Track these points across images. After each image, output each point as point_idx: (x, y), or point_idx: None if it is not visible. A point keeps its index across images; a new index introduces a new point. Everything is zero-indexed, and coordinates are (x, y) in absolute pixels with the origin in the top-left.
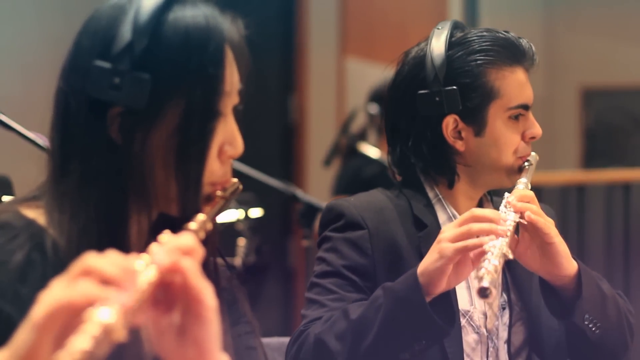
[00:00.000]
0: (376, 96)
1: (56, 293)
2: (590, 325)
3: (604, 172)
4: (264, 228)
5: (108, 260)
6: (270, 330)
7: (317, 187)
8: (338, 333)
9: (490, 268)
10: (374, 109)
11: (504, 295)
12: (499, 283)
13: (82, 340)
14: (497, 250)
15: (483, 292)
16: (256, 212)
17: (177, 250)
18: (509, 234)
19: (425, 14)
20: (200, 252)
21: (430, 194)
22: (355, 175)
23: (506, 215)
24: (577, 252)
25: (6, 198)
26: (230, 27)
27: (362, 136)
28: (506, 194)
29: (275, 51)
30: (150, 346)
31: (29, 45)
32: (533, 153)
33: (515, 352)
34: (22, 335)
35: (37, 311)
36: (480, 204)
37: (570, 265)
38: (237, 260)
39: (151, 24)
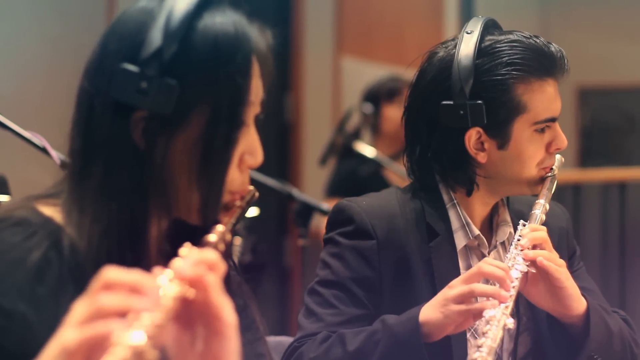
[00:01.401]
0: (370, 96)
1: (83, 314)
2: None
3: (599, 171)
4: (259, 227)
5: (130, 275)
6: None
7: (313, 186)
8: None
9: (485, 352)
10: (368, 108)
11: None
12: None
13: None
14: (495, 324)
15: None
16: (252, 211)
17: (202, 264)
18: (513, 292)
19: (421, 13)
20: (222, 267)
21: (445, 198)
22: (350, 174)
23: (514, 263)
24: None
25: (2, 197)
26: (258, 36)
27: (357, 135)
28: (520, 224)
29: (271, 50)
30: None
31: (24, 44)
32: (558, 156)
33: None
34: (52, 356)
35: (68, 336)
36: (495, 210)
37: (579, 305)
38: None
39: (181, 31)
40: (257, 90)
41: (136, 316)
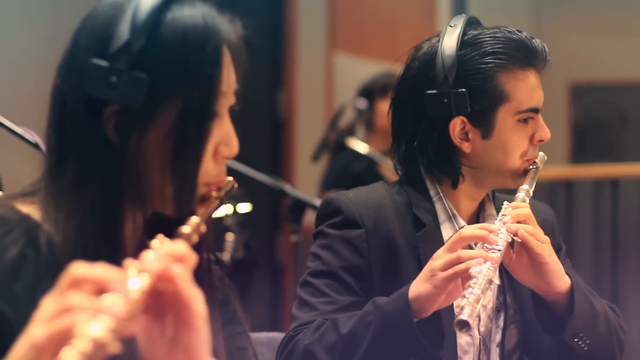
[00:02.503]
0: (365, 91)
1: (51, 310)
2: (580, 342)
3: (592, 167)
4: (252, 223)
5: (97, 270)
6: (258, 325)
7: (306, 182)
8: (327, 346)
9: (472, 299)
10: (363, 104)
11: (500, 298)
12: (494, 291)
13: (71, 357)
14: (482, 276)
15: (461, 325)
16: (244, 207)
17: (169, 257)
18: (498, 253)
19: (414, 10)
20: (192, 258)
21: (432, 192)
22: (343, 170)
23: (499, 233)
24: (566, 247)
25: None
26: (228, 27)
27: (350, 131)
28: (505, 204)
29: (263, 46)
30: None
31: (17, 41)
32: (541, 153)
33: (508, 354)
34: (21, 353)
35: (37, 331)
36: (481, 205)
37: (562, 283)
38: (226, 256)
39: (149, 24)
40: (229, 80)
41: (101, 310)
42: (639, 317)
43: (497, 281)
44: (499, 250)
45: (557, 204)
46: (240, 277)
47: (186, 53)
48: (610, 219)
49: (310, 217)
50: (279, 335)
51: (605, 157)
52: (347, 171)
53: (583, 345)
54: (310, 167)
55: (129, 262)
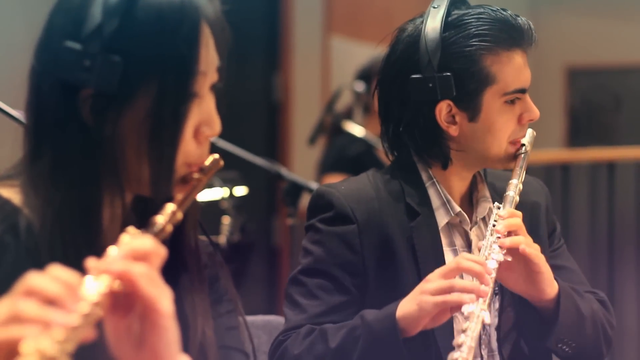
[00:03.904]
0: (363, 74)
1: (2, 316)
2: (565, 347)
3: (588, 151)
4: (248, 206)
5: (51, 278)
6: (255, 308)
7: (302, 165)
8: (317, 358)
9: (464, 353)
10: (360, 87)
11: (497, 282)
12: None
13: None
14: (474, 324)
15: None
16: (241, 191)
17: (132, 255)
18: (489, 290)
19: None
20: (160, 254)
21: (424, 177)
22: (340, 153)
23: (490, 252)
24: (562, 232)
25: None
26: (206, 3)
27: (347, 114)
28: (494, 211)
29: (260, 29)
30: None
31: (11, 24)
32: (530, 130)
33: (504, 336)
34: None
35: None
36: (474, 185)
37: (552, 289)
38: (222, 239)
39: (122, 5)
40: (208, 59)
41: (51, 324)
42: (635, 301)
43: (488, 321)
44: (492, 278)
45: (553, 187)
46: (236, 260)
47: (161, 33)
48: (607, 203)
49: (306, 201)
50: (275, 319)
51: (602, 141)
52: (344, 155)
53: (567, 349)
54: (307, 151)
55: (90, 262)
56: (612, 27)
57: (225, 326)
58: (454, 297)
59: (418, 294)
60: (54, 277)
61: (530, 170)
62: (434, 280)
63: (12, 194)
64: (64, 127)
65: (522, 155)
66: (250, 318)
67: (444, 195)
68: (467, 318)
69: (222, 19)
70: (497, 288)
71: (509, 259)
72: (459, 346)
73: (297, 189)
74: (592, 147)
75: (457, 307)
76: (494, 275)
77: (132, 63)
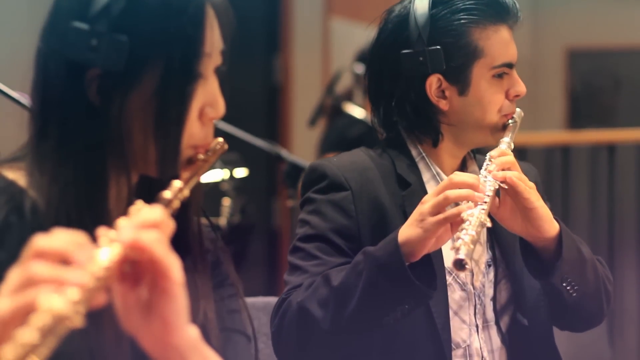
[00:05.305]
0: (363, 56)
1: (16, 282)
2: (568, 288)
3: (588, 133)
4: (248, 188)
5: (60, 239)
6: (255, 290)
7: (302, 147)
8: (321, 300)
9: (467, 239)
10: (361, 68)
11: (490, 252)
12: (484, 240)
13: (28, 334)
14: (474, 219)
15: (459, 265)
16: (241, 172)
17: (143, 224)
18: (487, 199)
19: None
20: (169, 224)
21: (414, 152)
22: (340, 135)
23: (485, 180)
24: (562, 213)
25: None
26: None
27: (347, 96)
28: (488, 155)
29: (260, 11)
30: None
31: (13, 6)
32: (518, 109)
33: (501, 309)
34: None
35: (1, 305)
36: (464, 163)
37: (551, 227)
38: (222, 220)
39: None
40: (212, 41)
41: (65, 283)
42: (635, 282)
43: (489, 224)
44: (488, 196)
45: (553, 169)
46: (236, 242)
47: (167, 14)
48: (607, 184)
49: None
50: (275, 300)
51: (602, 123)
52: (344, 136)
53: (572, 290)
54: (307, 132)
55: (101, 231)
56: (613, 9)
57: (227, 309)
58: (452, 210)
59: (418, 217)
60: (61, 236)
61: (530, 152)
62: (429, 199)
63: (18, 176)
64: (71, 107)
65: (512, 124)
66: (250, 300)
67: (433, 168)
68: (467, 220)
69: (226, 4)
70: (490, 259)
71: (505, 186)
72: (460, 238)
73: (297, 171)
74: (592, 129)
75: (458, 222)
76: (490, 194)
77: (139, 43)
